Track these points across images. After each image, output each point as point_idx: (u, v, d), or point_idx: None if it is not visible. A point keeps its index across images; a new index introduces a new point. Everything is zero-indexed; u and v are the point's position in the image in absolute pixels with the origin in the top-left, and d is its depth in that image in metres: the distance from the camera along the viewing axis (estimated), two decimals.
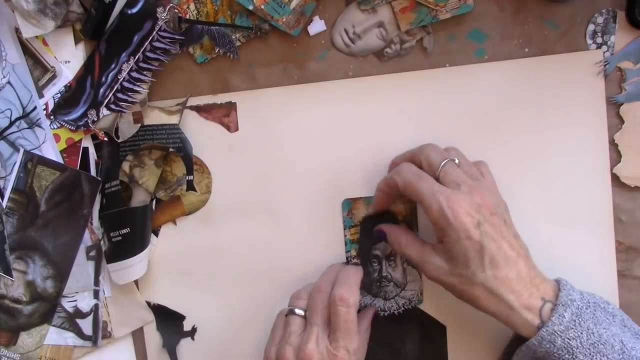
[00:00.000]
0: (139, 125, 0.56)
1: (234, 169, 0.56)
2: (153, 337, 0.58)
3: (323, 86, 0.54)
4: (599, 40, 0.50)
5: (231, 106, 0.55)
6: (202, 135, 0.56)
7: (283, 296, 0.53)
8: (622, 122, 0.51)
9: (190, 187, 0.56)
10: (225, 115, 0.56)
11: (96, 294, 0.57)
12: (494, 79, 0.52)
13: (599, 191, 0.52)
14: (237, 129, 0.56)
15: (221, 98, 0.55)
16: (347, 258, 0.55)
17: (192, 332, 0.58)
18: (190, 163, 0.56)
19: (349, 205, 0.54)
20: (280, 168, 0.55)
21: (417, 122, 0.53)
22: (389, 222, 0.52)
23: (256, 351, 0.57)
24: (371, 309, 0.53)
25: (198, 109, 0.56)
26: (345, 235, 0.54)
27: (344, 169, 0.54)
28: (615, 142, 0.51)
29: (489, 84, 0.52)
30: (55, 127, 0.56)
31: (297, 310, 0.49)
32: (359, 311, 0.49)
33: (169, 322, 0.58)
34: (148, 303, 0.58)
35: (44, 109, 0.56)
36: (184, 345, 0.58)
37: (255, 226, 0.56)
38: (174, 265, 0.58)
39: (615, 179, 0.52)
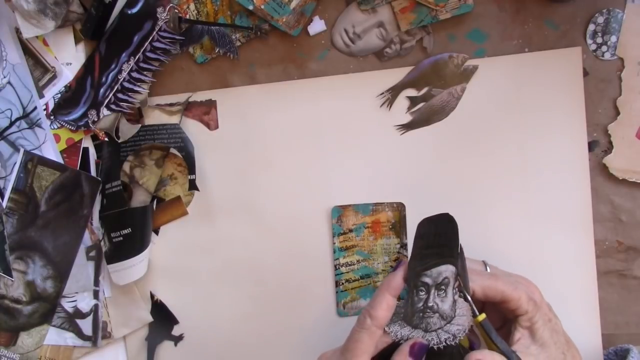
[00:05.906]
0: (140, 125, 0.56)
1: (215, 168, 0.55)
2: (140, 330, 0.58)
3: (304, 84, 0.53)
4: (599, 40, 0.50)
5: (211, 104, 0.55)
6: None
7: (270, 300, 0.53)
8: (618, 113, 0.51)
9: (193, 186, 0.56)
10: (205, 113, 0.55)
11: (96, 294, 0.57)
12: (483, 78, 0.52)
13: (578, 189, 0.52)
14: (217, 127, 0.55)
15: (201, 95, 0.55)
16: (335, 266, 0.54)
17: (178, 339, 0.57)
18: (192, 162, 0.55)
19: (339, 212, 0.54)
20: (261, 167, 0.55)
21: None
22: (451, 236, 0.41)
23: (252, 353, 0.57)
24: (411, 341, 0.42)
25: None
26: (334, 243, 0.54)
27: (330, 168, 0.54)
28: (609, 132, 0.51)
29: (478, 83, 0.52)
30: (56, 127, 0.56)
31: None
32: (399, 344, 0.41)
33: (161, 321, 0.58)
34: (152, 296, 0.58)
35: (44, 109, 0.56)
36: (166, 347, 0.58)
37: (237, 226, 0.55)
38: (174, 264, 0.57)
39: (605, 172, 0.52)
